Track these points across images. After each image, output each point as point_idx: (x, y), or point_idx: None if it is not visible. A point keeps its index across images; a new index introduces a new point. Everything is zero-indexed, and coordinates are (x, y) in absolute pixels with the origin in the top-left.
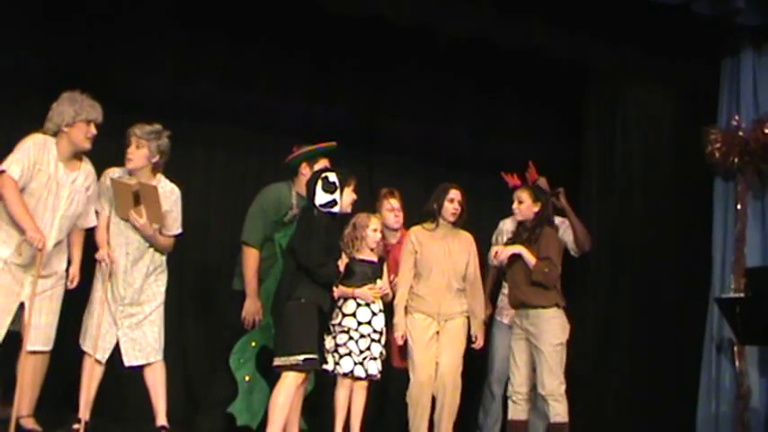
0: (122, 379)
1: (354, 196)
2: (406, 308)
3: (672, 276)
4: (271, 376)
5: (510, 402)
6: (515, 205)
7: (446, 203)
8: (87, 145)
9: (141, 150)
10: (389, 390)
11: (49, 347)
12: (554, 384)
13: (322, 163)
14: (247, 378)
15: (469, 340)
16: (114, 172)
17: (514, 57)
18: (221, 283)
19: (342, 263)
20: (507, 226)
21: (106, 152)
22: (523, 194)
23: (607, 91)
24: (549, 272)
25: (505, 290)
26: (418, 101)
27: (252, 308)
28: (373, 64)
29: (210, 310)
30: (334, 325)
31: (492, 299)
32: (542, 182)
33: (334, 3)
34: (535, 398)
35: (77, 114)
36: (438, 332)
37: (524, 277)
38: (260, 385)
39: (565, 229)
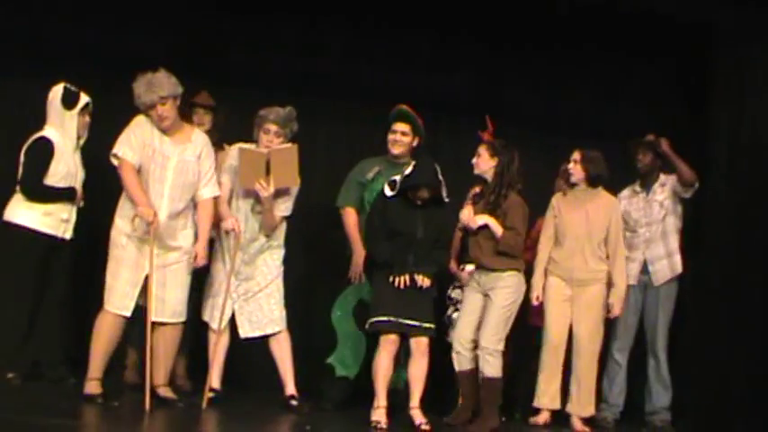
0: (251, 349)
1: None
2: (546, 270)
3: None
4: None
5: (454, 354)
6: (474, 159)
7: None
8: (165, 124)
9: (279, 139)
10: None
11: (176, 320)
12: (493, 340)
13: (399, 126)
14: (347, 329)
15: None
16: (244, 147)
17: (637, 20)
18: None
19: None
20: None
21: (233, 130)
22: (481, 148)
23: (734, 53)
24: (514, 244)
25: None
26: (539, 70)
27: (358, 260)
28: (492, 33)
29: (339, 283)
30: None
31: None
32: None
33: None
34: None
35: (146, 96)
36: (573, 297)
37: (490, 245)
38: (360, 338)
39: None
